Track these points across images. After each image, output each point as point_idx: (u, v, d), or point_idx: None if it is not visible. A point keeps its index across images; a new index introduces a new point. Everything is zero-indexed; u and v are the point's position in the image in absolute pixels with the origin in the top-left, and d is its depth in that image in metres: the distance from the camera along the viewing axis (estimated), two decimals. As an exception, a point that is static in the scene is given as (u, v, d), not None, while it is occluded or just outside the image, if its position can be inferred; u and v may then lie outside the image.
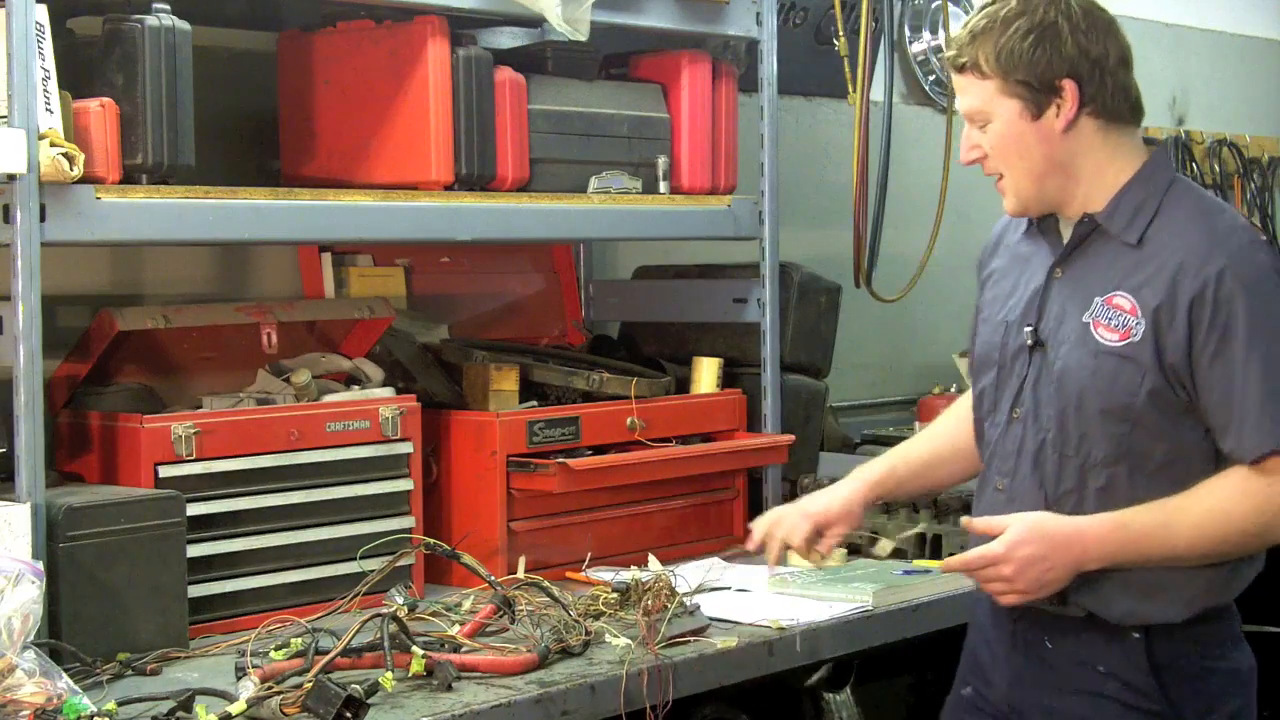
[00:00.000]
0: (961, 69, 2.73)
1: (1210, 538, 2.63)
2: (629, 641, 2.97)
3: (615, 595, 3.17)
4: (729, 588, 3.48)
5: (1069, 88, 2.67)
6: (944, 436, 3.10)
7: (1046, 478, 2.74)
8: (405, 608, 3.07)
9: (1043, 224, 2.81)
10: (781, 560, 3.09)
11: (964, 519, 2.80)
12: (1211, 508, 2.62)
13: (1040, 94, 2.67)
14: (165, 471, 3.15)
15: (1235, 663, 2.75)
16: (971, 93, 2.72)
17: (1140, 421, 2.65)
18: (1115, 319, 2.67)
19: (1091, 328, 2.69)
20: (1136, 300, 2.65)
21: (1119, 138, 2.73)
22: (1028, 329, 2.76)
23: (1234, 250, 2.63)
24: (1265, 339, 2.60)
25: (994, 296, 2.88)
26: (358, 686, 2.64)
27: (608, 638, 3.01)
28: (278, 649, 2.86)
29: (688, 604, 3.18)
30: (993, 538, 2.69)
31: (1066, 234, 2.77)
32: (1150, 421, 2.65)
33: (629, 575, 3.28)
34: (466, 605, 3.19)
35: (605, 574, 3.44)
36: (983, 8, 2.74)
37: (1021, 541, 2.64)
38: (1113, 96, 2.70)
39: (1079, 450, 2.70)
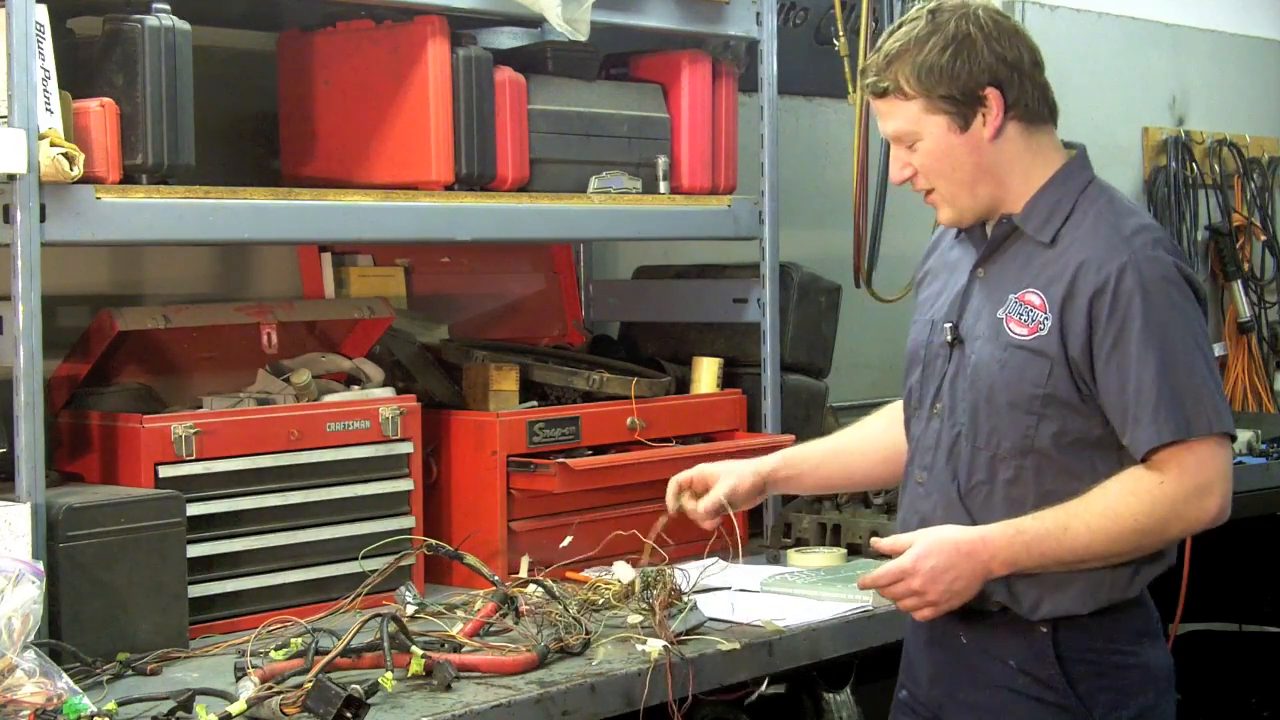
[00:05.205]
0: (883, 94, 2.74)
1: (1107, 538, 2.64)
2: (661, 643, 2.98)
3: (620, 584, 3.15)
4: (729, 587, 3.48)
5: (993, 95, 2.70)
6: (859, 430, 3.13)
7: (959, 470, 2.78)
8: (413, 608, 3.06)
9: (970, 227, 2.85)
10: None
11: (873, 540, 2.84)
12: (1104, 509, 2.64)
13: (965, 105, 2.70)
14: (165, 471, 3.15)
15: (1146, 658, 2.76)
16: (896, 115, 2.74)
17: (1045, 414, 2.69)
18: (1025, 314, 2.71)
19: (1004, 323, 2.73)
20: (1045, 296, 2.70)
21: (1041, 138, 2.77)
22: (948, 326, 2.81)
23: (1137, 248, 2.67)
24: (1159, 338, 2.63)
25: (925, 298, 2.94)
26: (358, 686, 2.64)
27: (636, 638, 3.02)
28: (278, 649, 2.86)
29: (688, 600, 3.19)
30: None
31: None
32: (1054, 414, 2.69)
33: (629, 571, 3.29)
34: (476, 606, 3.18)
35: (602, 574, 3.46)
36: (892, 31, 2.76)
37: (926, 554, 2.67)
38: (1033, 98, 2.74)
39: (989, 442, 2.74)
